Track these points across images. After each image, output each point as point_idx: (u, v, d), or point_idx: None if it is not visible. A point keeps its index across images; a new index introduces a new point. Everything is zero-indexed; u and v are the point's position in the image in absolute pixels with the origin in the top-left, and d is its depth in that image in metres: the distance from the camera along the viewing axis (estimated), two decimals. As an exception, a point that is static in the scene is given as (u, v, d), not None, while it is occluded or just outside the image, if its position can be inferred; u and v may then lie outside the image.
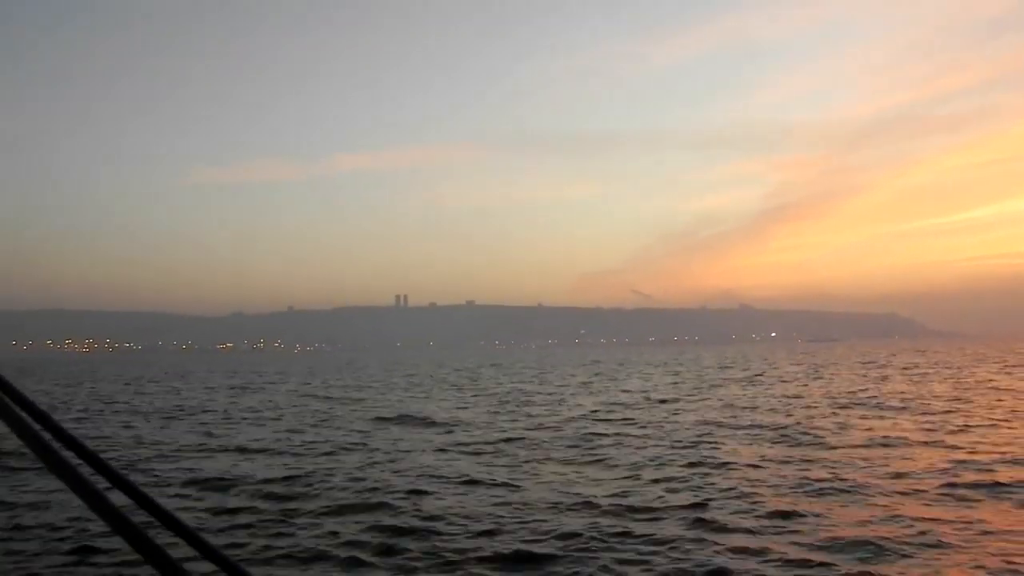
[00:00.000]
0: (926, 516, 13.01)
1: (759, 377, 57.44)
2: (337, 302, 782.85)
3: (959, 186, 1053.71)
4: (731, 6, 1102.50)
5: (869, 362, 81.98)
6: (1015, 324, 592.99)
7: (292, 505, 14.92)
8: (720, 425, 26.31)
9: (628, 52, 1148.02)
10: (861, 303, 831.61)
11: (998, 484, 15.44)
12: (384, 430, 27.65)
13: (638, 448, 21.40)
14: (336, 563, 11.25)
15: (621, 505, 14.25)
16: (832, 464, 18.15)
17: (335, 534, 12.69)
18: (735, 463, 18.50)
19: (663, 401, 37.27)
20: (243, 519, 13.78)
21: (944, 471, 16.95)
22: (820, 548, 11.38)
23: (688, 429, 25.46)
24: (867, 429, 24.43)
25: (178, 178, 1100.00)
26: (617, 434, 24.49)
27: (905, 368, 66.23)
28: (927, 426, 24.94)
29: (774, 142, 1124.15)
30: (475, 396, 44.83)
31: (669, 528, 12.65)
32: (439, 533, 12.59)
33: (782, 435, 23.38)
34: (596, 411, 32.66)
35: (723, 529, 12.49)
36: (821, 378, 54.43)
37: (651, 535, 12.21)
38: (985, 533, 11.98)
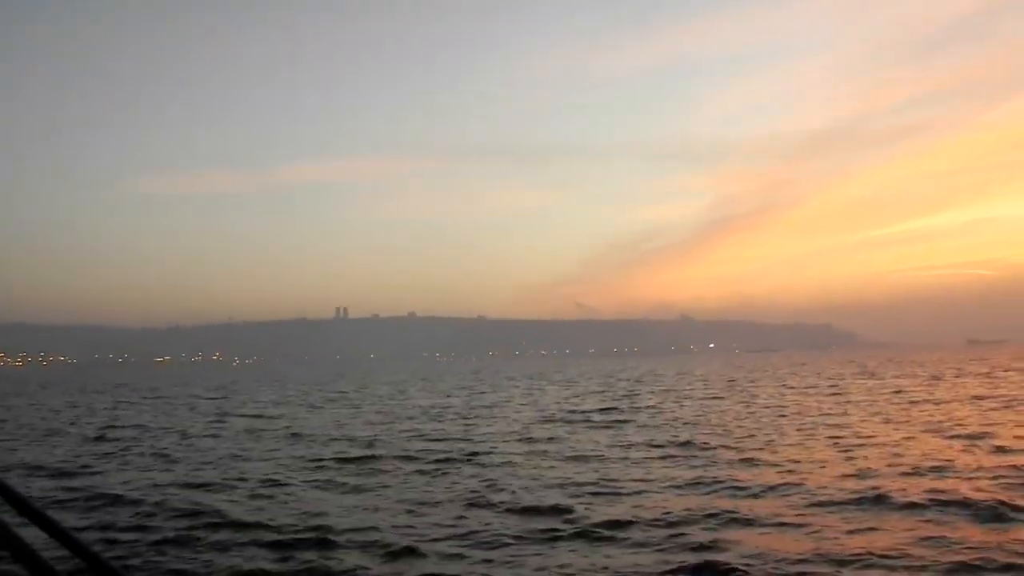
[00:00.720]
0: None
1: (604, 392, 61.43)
2: (278, 314, 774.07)
3: (895, 199, 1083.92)
4: (677, 21, 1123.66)
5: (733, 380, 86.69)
6: (946, 335, 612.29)
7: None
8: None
9: (573, 64, 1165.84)
10: (799, 314, 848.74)
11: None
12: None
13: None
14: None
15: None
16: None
17: None
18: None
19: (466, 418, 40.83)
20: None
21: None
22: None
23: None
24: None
25: (115, 188, 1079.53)
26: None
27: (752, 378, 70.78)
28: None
29: (718, 155, 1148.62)
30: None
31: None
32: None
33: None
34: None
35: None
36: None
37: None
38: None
